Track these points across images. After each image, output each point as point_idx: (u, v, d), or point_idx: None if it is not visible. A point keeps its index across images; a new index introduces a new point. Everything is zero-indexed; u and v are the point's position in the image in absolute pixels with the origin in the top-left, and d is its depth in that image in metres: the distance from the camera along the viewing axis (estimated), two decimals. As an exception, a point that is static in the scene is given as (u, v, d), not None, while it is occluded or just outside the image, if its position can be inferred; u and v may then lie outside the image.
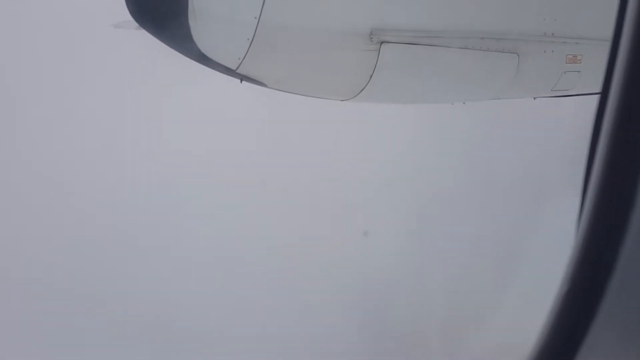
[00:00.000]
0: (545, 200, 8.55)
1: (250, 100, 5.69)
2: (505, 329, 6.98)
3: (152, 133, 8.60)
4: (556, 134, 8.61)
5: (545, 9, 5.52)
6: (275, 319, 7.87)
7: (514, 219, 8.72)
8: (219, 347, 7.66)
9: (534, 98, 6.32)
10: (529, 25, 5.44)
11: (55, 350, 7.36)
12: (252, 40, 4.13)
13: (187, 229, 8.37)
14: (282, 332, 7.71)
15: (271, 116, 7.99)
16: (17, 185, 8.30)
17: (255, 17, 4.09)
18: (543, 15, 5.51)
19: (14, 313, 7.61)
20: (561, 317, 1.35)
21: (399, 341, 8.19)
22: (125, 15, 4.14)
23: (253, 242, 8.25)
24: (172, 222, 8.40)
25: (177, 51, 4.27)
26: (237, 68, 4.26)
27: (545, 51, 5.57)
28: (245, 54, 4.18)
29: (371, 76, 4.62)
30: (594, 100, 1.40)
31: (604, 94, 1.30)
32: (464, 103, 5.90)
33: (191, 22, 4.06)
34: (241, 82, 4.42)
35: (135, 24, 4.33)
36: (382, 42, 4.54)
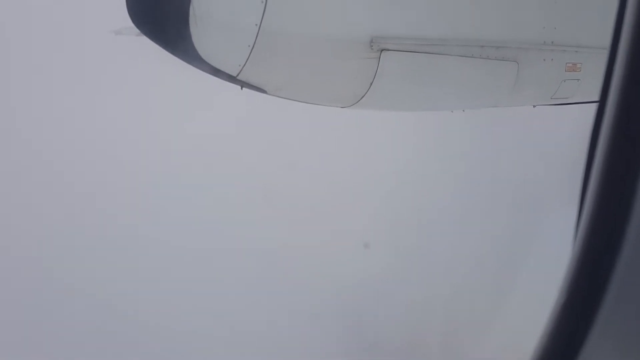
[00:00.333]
0: (543, 208, 8.55)
1: (250, 106, 5.70)
2: (503, 339, 6.95)
3: (152, 138, 8.62)
4: (555, 142, 8.63)
5: (545, 17, 5.55)
6: (270, 329, 7.85)
7: (512, 227, 8.71)
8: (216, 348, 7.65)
9: (534, 106, 6.34)
10: (529, 34, 5.47)
11: (54, 350, 7.34)
12: (253, 47, 4.14)
13: (186, 232, 8.36)
14: (277, 342, 7.69)
15: (271, 123, 8.01)
16: (16, 189, 8.31)
17: (256, 24, 4.10)
18: (543, 23, 5.53)
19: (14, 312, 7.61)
20: (559, 326, 1.34)
21: (394, 353, 8.18)
22: (126, 21, 4.15)
23: (253, 244, 8.25)
24: (170, 227, 8.39)
25: (177, 57, 4.28)
26: (237, 75, 4.26)
27: (544, 59, 5.59)
28: (246, 61, 4.18)
29: (371, 84, 4.63)
30: (593, 108, 1.40)
31: (602, 102, 1.30)
32: (463, 111, 5.92)
33: (192, 29, 4.07)
34: (242, 88, 4.43)
35: (136, 31, 4.34)
36: (382, 50, 4.55)
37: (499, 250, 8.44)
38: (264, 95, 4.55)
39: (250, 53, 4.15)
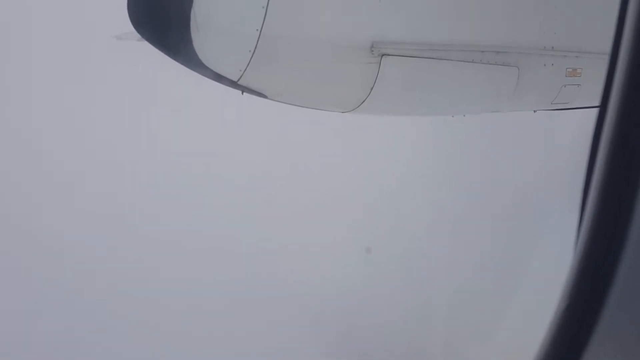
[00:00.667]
0: (545, 213, 8.55)
1: (251, 111, 5.71)
2: (504, 344, 6.94)
3: (153, 142, 8.65)
4: (556, 147, 8.63)
5: (546, 22, 5.55)
6: (270, 332, 7.84)
7: (514, 232, 8.70)
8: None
9: (534, 111, 6.34)
10: (529, 39, 5.47)
11: (54, 350, 7.33)
12: (254, 52, 4.14)
13: (186, 232, 8.37)
14: (276, 346, 7.67)
15: (272, 127, 8.03)
16: (16, 189, 8.34)
17: (257, 29, 4.11)
18: (543, 28, 5.54)
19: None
20: (561, 331, 1.34)
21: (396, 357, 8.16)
22: (127, 27, 4.16)
23: (254, 248, 8.25)
24: (171, 227, 8.40)
25: (178, 62, 4.29)
26: (238, 80, 4.27)
27: (545, 64, 5.59)
28: (247, 66, 4.19)
29: (372, 88, 4.63)
30: (594, 113, 1.40)
31: (603, 107, 1.30)
32: (464, 116, 5.92)
33: (193, 34, 4.08)
34: (242, 93, 4.43)
35: (137, 36, 4.35)
36: (382, 55, 4.56)
37: (501, 255, 8.42)
38: (265, 100, 4.56)
39: (251, 58, 4.15)
